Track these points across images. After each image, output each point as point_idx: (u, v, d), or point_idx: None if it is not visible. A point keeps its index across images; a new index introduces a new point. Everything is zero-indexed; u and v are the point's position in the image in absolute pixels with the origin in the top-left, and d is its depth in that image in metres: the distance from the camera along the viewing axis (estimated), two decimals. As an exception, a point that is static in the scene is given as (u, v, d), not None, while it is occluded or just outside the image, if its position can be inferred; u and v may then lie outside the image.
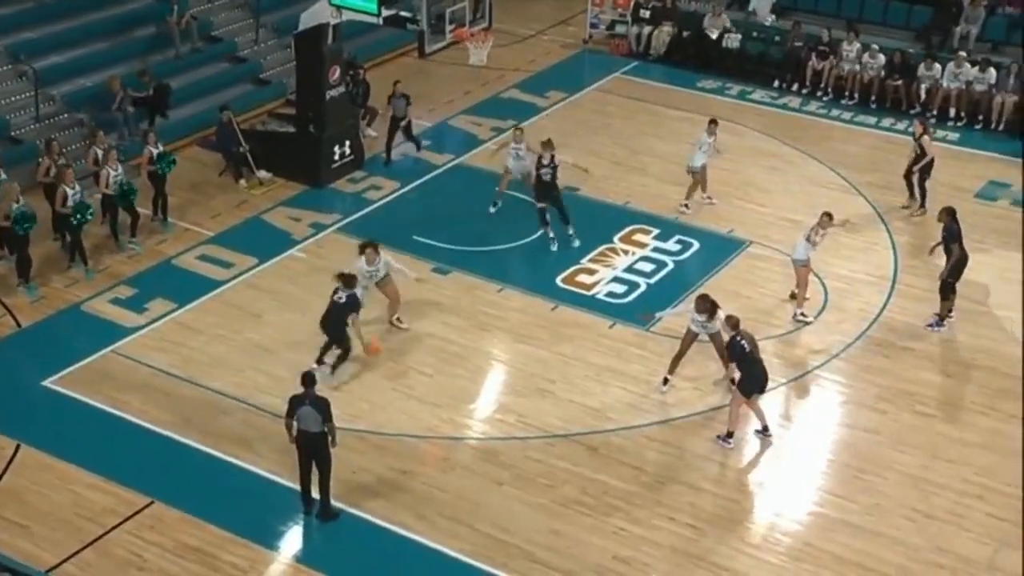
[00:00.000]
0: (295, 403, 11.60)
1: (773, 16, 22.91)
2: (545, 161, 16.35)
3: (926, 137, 17.64)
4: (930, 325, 15.04)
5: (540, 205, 16.53)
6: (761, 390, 12.96)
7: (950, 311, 15.08)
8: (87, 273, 16.01)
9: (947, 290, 14.93)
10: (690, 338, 13.71)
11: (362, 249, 14.60)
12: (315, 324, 15.06)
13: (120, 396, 13.73)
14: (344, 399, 13.33)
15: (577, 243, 16.60)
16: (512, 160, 17.21)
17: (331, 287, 15.81)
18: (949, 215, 14.89)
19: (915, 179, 17.79)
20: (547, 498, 12.33)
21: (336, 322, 13.77)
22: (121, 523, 11.92)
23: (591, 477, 12.61)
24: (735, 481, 12.79)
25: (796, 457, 13.08)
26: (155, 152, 17.01)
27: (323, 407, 11.53)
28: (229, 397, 13.74)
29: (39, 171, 16.59)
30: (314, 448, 11.70)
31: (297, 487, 12.03)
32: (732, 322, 12.91)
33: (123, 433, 13.23)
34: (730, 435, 13.02)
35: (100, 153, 16.79)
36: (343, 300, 13.65)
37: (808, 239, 14.97)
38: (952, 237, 14.77)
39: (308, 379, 11.62)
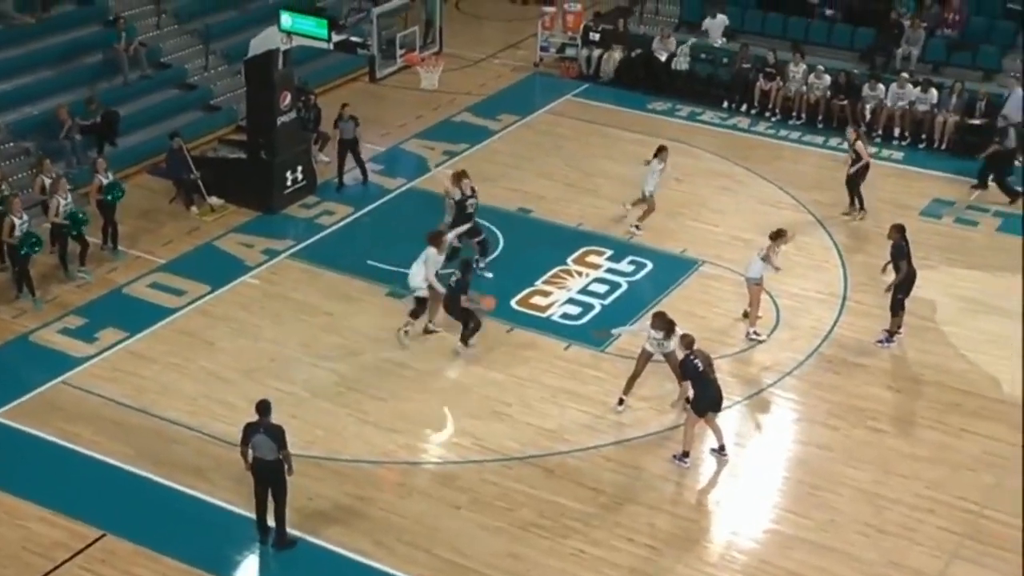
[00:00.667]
0: (249, 431, 11.51)
1: (724, 39, 23.21)
2: (467, 192, 16.21)
3: (859, 143, 18.18)
4: (880, 341, 15.26)
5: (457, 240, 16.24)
6: (715, 409, 13.05)
7: (899, 327, 15.31)
8: (35, 303, 15.79)
9: (897, 306, 15.16)
10: (645, 358, 13.78)
11: (434, 239, 15.02)
12: (268, 350, 15.01)
13: (70, 428, 13.53)
14: (299, 425, 13.24)
15: (490, 275, 16.44)
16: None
17: (285, 313, 15.82)
18: (898, 232, 15.14)
19: (853, 186, 18.31)
20: (505, 521, 12.32)
21: (454, 304, 14.58)
22: (72, 557, 11.72)
23: (548, 499, 12.62)
24: (692, 500, 12.86)
25: (751, 475, 13.18)
26: (104, 181, 16.85)
27: (277, 435, 11.45)
28: (182, 426, 13.60)
29: (-20, 198, 16.37)
30: (270, 476, 11.60)
31: (253, 516, 11.91)
32: (686, 341, 13.01)
33: (73, 465, 13.03)
34: (686, 455, 13.09)
35: (47, 182, 16.60)
36: (454, 284, 14.51)
37: (764, 258, 15.13)
38: (900, 254, 15.03)
39: (262, 407, 11.53)
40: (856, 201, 18.40)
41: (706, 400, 12.90)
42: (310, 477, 12.66)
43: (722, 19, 23.28)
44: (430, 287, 14.86)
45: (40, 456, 13.19)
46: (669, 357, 13.62)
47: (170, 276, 16.61)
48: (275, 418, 11.56)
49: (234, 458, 12.02)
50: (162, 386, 14.30)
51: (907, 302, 15.22)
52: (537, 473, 13.01)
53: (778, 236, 15.23)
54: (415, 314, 15.00)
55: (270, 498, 11.73)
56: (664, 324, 13.43)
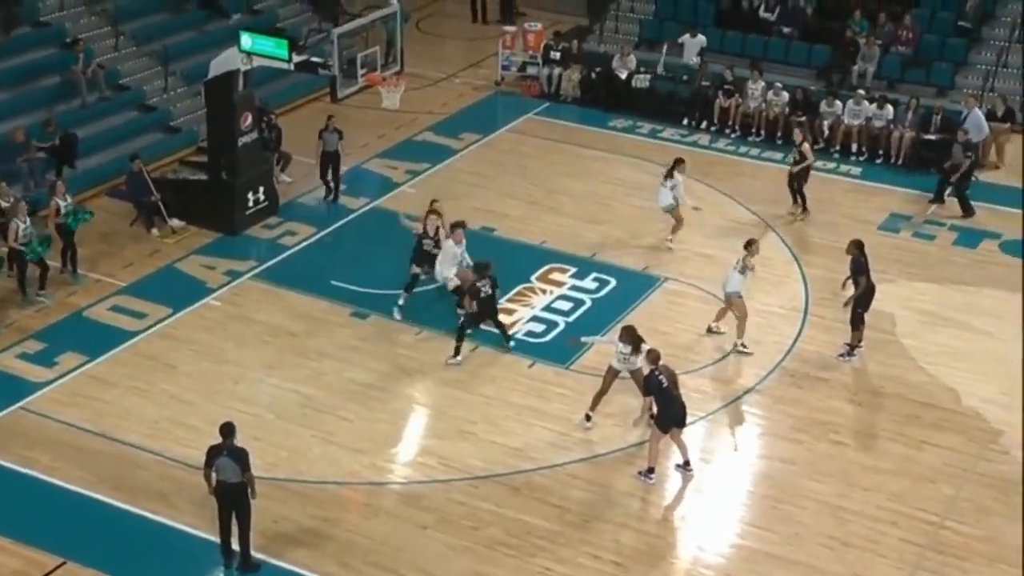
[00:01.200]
0: (213, 453, 11.43)
1: (698, 58, 23.26)
2: (430, 232, 15.83)
3: (806, 145, 18.77)
4: (842, 355, 15.41)
5: (416, 271, 15.92)
6: (680, 425, 13.11)
7: (860, 341, 15.48)
8: (-7, 328, 15.62)
9: (857, 321, 15.33)
10: (612, 375, 13.82)
11: (452, 229, 15.53)
12: (232, 372, 14.91)
13: (28, 453, 13.35)
14: (263, 447, 13.15)
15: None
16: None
17: (248, 335, 15.72)
18: (857, 248, 15.32)
19: (795, 185, 18.86)
20: (471, 540, 12.29)
21: (492, 311, 15.12)
22: (32, 586, 11.56)
23: (515, 517, 12.61)
24: (657, 516, 12.90)
25: (716, 490, 13.25)
26: (62, 204, 16.68)
27: (241, 457, 11.37)
28: (144, 450, 13.46)
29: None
30: (233, 499, 11.51)
31: (217, 540, 11.80)
32: (652, 356, 13.07)
33: (32, 492, 12.85)
34: (651, 471, 13.13)
35: (4, 205, 16.42)
36: (489, 292, 14.87)
37: (741, 271, 15.26)
38: (859, 269, 15.21)
39: (226, 429, 11.45)
40: (799, 201, 18.93)
41: (670, 416, 12.96)
42: (274, 499, 12.57)
43: (701, 39, 23.23)
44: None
45: (-2, 483, 13.02)
46: (635, 374, 13.67)
47: (131, 299, 16.46)
48: (239, 440, 11.48)
49: (197, 482, 11.91)
50: (123, 410, 14.16)
51: (867, 316, 15.39)
52: (503, 491, 13.01)
53: (750, 245, 15.40)
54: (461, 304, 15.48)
55: (234, 521, 11.63)
56: (632, 339, 13.49)
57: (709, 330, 15.73)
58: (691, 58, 23.25)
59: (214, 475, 11.44)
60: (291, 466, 13.29)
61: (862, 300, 15.21)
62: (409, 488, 13.09)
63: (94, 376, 14.79)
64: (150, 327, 15.81)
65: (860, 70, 22.51)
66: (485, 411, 14.30)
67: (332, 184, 19.23)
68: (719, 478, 13.46)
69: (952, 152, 19.40)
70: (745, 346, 15.46)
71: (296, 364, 15.12)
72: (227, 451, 11.35)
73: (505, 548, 12.19)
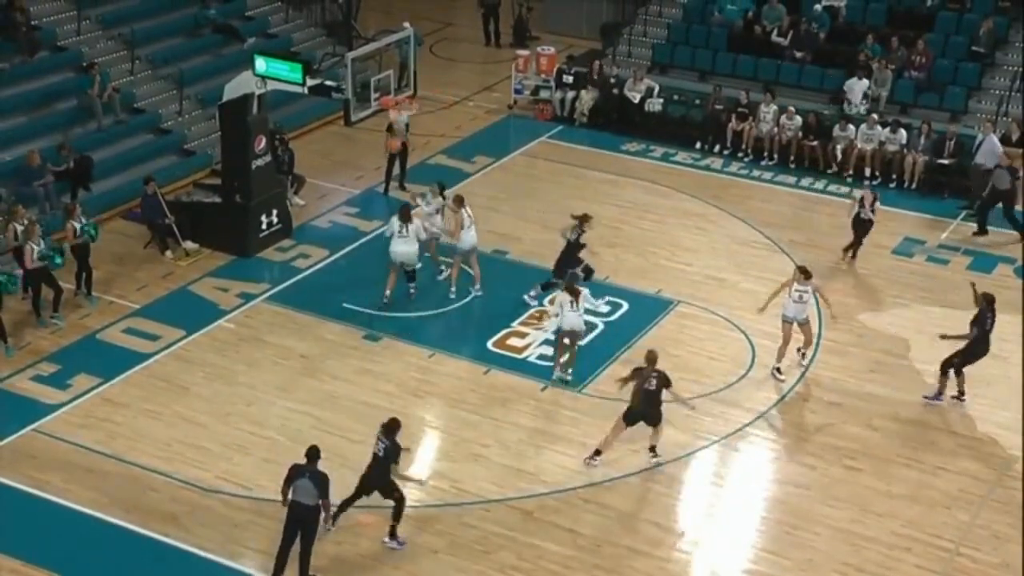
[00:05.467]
0: (294, 473, 11.57)
1: (864, 102, 22.39)
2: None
3: (877, 203, 18.25)
4: (927, 397, 14.95)
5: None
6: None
7: (943, 390, 14.94)
8: (7, 350, 15.63)
9: (946, 367, 14.70)
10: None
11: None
12: (244, 394, 14.90)
13: (41, 476, 13.36)
14: (275, 469, 13.04)
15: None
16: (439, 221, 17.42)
17: (260, 357, 15.72)
18: (987, 301, 14.69)
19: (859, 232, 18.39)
20: (483, 565, 12.23)
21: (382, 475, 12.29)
22: (44, 608, 11.57)
23: (527, 542, 12.55)
24: (671, 541, 12.81)
25: (729, 515, 13.17)
26: (78, 226, 16.77)
27: (322, 482, 11.52)
28: (156, 472, 13.46)
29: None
30: (304, 520, 11.60)
31: (227, 562, 11.79)
32: (650, 356, 13.00)
33: (45, 514, 12.85)
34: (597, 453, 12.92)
35: (19, 229, 16.51)
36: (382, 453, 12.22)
37: (789, 296, 15.20)
38: (979, 322, 14.53)
39: (312, 452, 11.61)
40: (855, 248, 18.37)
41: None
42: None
43: (864, 83, 22.39)
44: None
45: (10, 506, 12.99)
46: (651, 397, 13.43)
47: (145, 321, 16.51)
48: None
49: (209, 503, 11.89)
50: (136, 432, 14.17)
51: (881, 340, 15.23)
52: (515, 515, 12.95)
53: (800, 271, 15.25)
54: None
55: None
56: (571, 292, 13.84)
57: (800, 353, 15.60)
58: (856, 101, 22.22)
59: (290, 493, 11.52)
60: (303, 489, 13.26)
61: (968, 352, 14.58)
62: (421, 511, 13.04)
63: (107, 398, 14.81)
64: (163, 349, 15.84)
65: (873, 94, 22.50)
66: (497, 434, 14.26)
67: (399, 176, 20.15)
68: (732, 503, 13.38)
69: (996, 176, 19.17)
70: (780, 371, 15.40)
71: (308, 387, 15.12)
72: (309, 474, 11.50)
73: (517, 573, 12.13)
